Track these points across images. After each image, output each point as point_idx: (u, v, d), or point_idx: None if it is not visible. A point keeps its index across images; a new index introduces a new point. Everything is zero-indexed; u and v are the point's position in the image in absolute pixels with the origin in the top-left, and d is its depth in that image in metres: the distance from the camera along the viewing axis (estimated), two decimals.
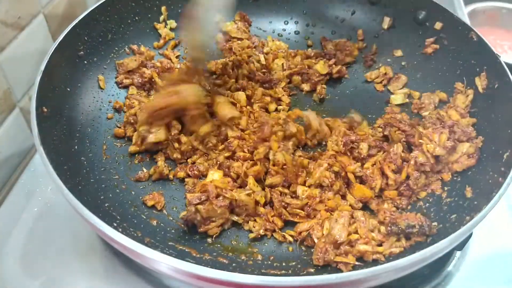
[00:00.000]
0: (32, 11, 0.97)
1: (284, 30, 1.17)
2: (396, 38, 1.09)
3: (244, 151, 0.87)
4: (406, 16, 1.07)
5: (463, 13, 1.31)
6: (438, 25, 1.01)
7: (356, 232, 0.74)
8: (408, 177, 0.82)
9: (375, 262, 0.70)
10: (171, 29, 1.10)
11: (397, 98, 1.02)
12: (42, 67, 0.81)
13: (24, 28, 0.95)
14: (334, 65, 1.06)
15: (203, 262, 0.72)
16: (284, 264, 0.74)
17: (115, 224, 0.72)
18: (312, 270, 0.71)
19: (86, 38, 0.94)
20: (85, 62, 0.94)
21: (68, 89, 0.88)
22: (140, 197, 0.84)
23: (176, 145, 0.89)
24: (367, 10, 1.13)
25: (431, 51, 1.02)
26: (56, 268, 0.80)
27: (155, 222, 0.80)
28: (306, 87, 1.05)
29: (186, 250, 0.74)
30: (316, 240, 0.74)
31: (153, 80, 1.00)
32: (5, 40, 0.90)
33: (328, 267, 0.71)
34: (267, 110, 0.99)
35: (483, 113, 0.89)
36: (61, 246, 0.82)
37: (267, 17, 1.17)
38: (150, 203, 0.82)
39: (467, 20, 1.24)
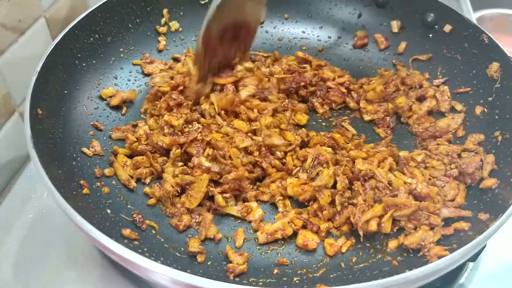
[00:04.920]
0: (33, 15, 0.96)
1: (291, 34, 1.15)
2: (404, 42, 1.07)
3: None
4: (414, 19, 1.04)
5: (471, 18, 1.29)
6: (447, 28, 0.99)
7: None
8: None
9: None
10: (175, 31, 1.09)
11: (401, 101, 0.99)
12: (38, 68, 0.80)
13: (25, 31, 0.93)
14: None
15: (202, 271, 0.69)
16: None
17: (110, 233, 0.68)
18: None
19: (85, 40, 0.92)
20: (84, 64, 0.92)
21: (65, 92, 0.86)
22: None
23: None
24: (373, 13, 1.10)
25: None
26: (51, 276, 0.78)
27: (153, 231, 0.77)
28: None
29: (185, 257, 0.72)
30: None
31: None
32: (5, 44, 0.88)
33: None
34: None
35: (497, 117, 0.86)
36: (56, 254, 0.80)
37: (272, 21, 1.15)
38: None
39: None
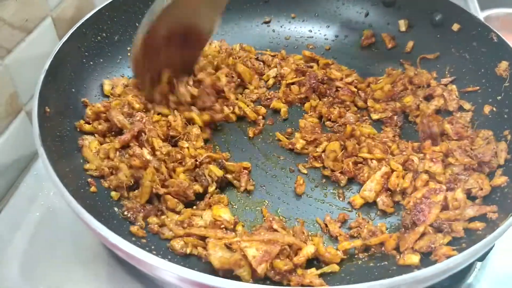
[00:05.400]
0: (40, 14, 0.96)
1: (298, 33, 1.15)
2: (411, 41, 1.07)
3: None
4: (422, 18, 1.04)
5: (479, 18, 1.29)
6: (455, 27, 0.98)
7: None
8: None
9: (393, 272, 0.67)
10: None
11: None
12: (46, 66, 0.80)
13: (32, 31, 0.94)
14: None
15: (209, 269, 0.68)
16: None
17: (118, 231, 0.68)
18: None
19: (92, 38, 0.93)
20: (91, 63, 0.92)
21: (73, 90, 0.87)
22: None
23: None
24: (380, 12, 1.10)
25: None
26: (58, 275, 0.77)
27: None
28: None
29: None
30: None
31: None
32: (12, 43, 0.89)
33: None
34: None
35: (506, 116, 0.86)
36: (63, 253, 0.80)
37: (279, 20, 1.15)
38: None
39: None
